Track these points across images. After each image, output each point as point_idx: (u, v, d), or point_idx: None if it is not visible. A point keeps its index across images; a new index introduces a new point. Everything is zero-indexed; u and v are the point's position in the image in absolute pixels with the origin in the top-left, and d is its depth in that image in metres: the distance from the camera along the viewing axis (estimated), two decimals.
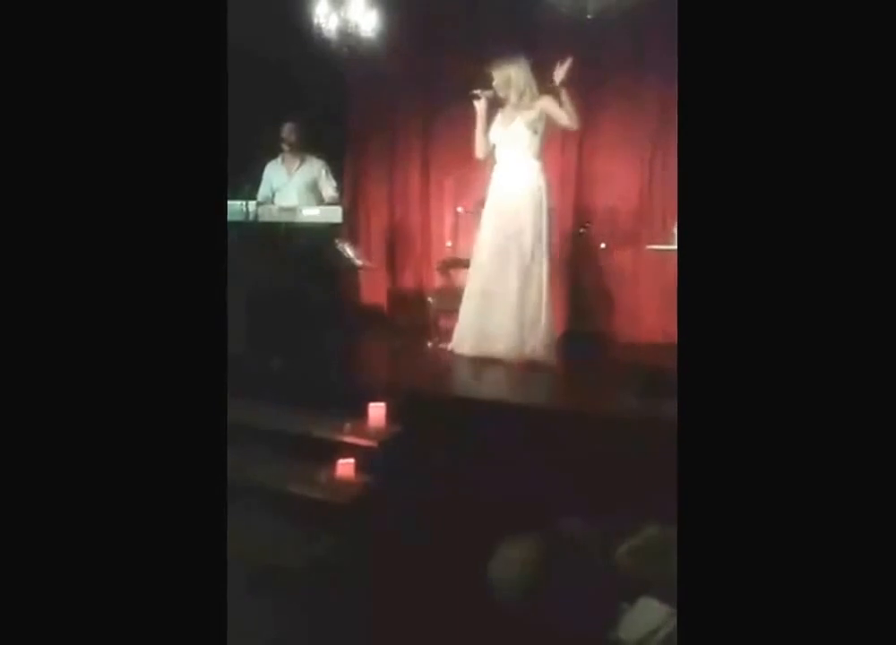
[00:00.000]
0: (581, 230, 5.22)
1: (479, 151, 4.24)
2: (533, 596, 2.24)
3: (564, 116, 4.00)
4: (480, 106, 4.14)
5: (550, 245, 4.14)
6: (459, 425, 3.16)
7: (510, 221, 4.10)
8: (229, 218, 4.08)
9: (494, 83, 4.11)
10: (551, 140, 5.34)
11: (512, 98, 4.11)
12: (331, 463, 3.03)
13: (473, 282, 4.20)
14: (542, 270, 4.07)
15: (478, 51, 4.30)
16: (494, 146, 4.20)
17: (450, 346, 4.24)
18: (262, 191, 4.96)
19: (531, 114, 4.08)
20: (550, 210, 4.16)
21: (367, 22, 4.76)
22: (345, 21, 4.79)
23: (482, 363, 4.08)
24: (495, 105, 4.18)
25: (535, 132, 4.11)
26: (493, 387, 3.86)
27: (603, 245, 5.21)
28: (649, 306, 5.11)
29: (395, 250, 5.79)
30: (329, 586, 2.47)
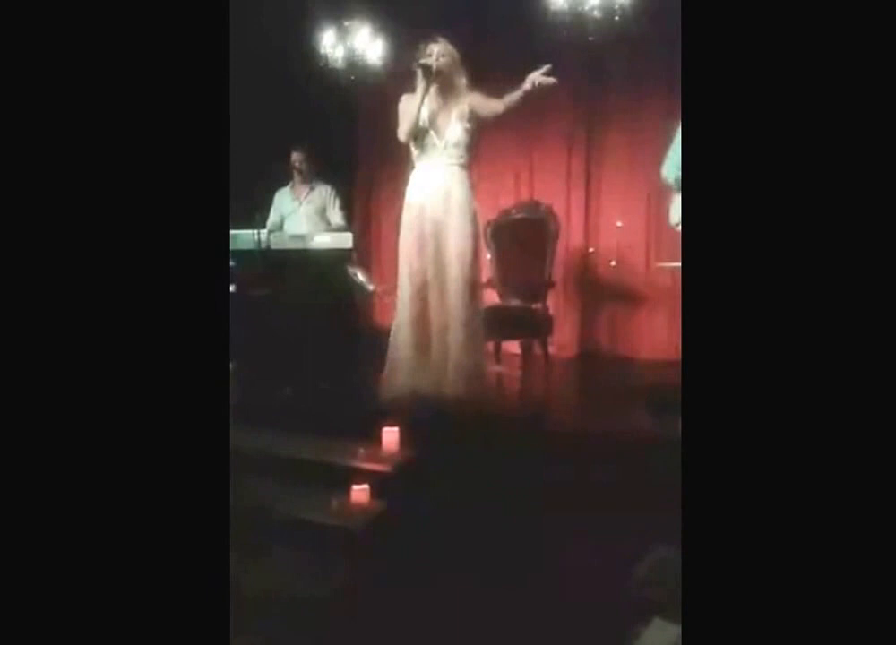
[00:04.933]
0: (591, 249, 5.25)
1: (406, 132, 3.52)
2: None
3: (492, 104, 3.43)
4: (426, 80, 3.46)
5: (480, 267, 3.67)
6: (473, 449, 3.15)
7: (432, 242, 3.54)
8: (241, 247, 4.12)
9: (433, 56, 3.48)
10: (556, 153, 5.43)
11: (455, 79, 3.52)
12: (346, 489, 3.03)
13: (399, 314, 3.65)
14: (468, 301, 3.49)
15: (482, 76, 4.32)
16: (424, 130, 3.51)
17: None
18: (272, 218, 5.00)
19: (464, 107, 3.51)
20: (478, 229, 3.66)
21: (374, 51, 4.85)
22: (352, 50, 4.89)
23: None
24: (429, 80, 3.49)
25: (467, 132, 3.52)
26: (508, 409, 3.85)
27: (613, 263, 5.24)
28: (659, 323, 5.12)
29: None
30: (345, 613, 2.47)
